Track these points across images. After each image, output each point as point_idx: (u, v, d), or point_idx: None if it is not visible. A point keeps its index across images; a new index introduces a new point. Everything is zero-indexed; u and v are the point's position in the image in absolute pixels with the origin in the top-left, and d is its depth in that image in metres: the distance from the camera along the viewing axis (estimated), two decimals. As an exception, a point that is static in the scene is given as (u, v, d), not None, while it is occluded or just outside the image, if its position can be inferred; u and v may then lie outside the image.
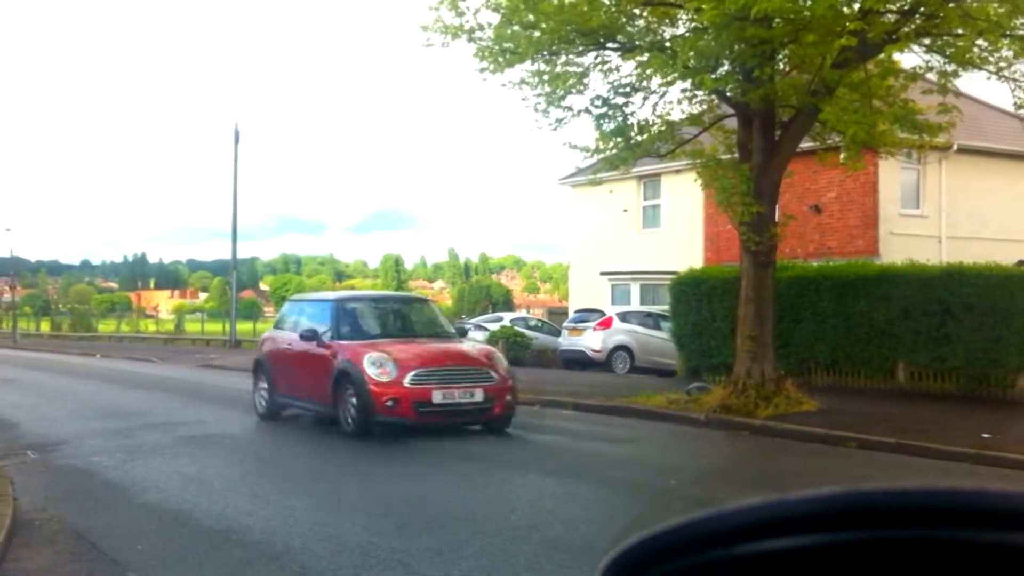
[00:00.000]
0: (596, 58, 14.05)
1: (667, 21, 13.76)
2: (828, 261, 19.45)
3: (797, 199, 20.93)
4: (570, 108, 14.31)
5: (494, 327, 29.84)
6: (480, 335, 30.00)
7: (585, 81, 14.08)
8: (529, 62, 13.72)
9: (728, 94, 13.59)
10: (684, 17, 13.34)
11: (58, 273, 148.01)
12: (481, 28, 13.57)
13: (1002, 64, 12.88)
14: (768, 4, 10.87)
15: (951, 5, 11.86)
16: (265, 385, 13.92)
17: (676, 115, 15.03)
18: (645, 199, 28.09)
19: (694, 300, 19.04)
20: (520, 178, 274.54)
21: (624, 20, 13.37)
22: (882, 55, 13.06)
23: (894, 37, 12.20)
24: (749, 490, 8.21)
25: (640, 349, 22.94)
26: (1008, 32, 12.07)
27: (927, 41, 12.92)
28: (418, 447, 10.93)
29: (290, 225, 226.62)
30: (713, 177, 14.24)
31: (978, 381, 15.25)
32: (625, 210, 28.16)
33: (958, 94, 13.48)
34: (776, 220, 14.24)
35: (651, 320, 23.24)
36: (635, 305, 26.12)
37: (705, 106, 15.15)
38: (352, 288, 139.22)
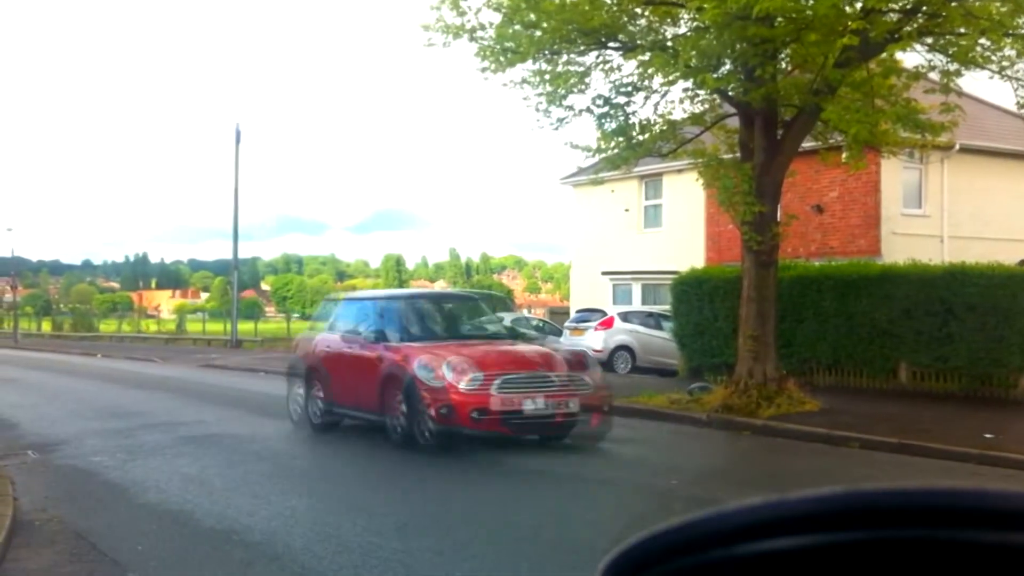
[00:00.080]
0: (598, 57, 14.03)
1: (669, 20, 13.74)
2: (830, 261, 19.42)
3: (799, 199, 20.90)
4: (571, 108, 14.30)
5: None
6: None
7: (587, 80, 14.06)
8: (530, 61, 13.70)
9: (730, 93, 13.57)
10: (686, 16, 13.32)
11: (59, 273, 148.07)
12: (482, 27, 13.55)
13: (1004, 63, 12.85)
14: (770, 3, 10.84)
15: (953, 4, 11.84)
16: (321, 393, 12.56)
17: (678, 114, 15.02)
18: (647, 199, 28.05)
19: (696, 300, 19.02)
20: (521, 178, 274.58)
21: (626, 19, 13.35)
22: (884, 54, 13.04)
23: (896, 36, 12.17)
24: (750, 490, 8.17)
25: (642, 349, 22.91)
26: (1010, 31, 12.05)
27: (929, 40, 12.89)
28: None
29: (291, 225, 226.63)
30: (715, 177, 14.22)
31: (980, 381, 15.21)
32: (627, 210, 28.13)
33: (960, 93, 13.46)
34: (778, 220, 14.22)
35: (653, 320, 23.21)
36: (636, 305, 26.10)
37: (707, 105, 15.13)
38: (353, 289, 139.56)
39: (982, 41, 12.19)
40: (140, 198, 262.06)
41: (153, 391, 18.88)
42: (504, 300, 14.75)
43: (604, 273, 28.15)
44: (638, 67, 13.73)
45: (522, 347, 11.58)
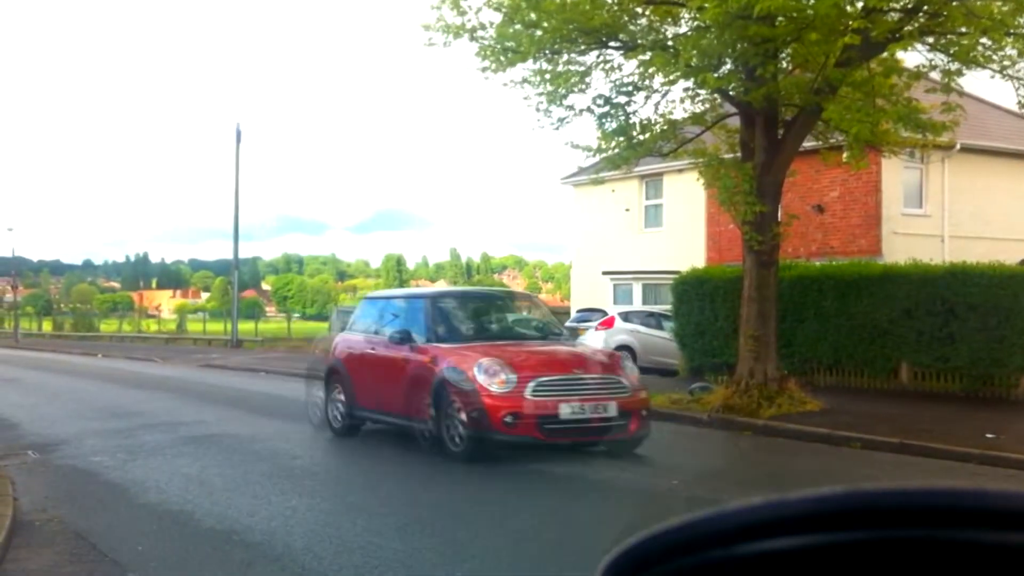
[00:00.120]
0: (598, 57, 14.01)
1: (669, 20, 13.72)
2: (831, 261, 19.40)
3: (800, 199, 20.89)
4: (572, 107, 14.28)
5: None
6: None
7: (587, 80, 14.04)
8: (531, 61, 13.68)
9: (731, 93, 13.55)
10: (686, 16, 13.30)
11: (60, 273, 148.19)
12: (483, 27, 13.54)
13: (1006, 63, 12.83)
14: (771, 2, 10.83)
15: (955, 3, 11.82)
16: (342, 396, 11.99)
17: (678, 114, 15.01)
18: (647, 198, 28.04)
19: (696, 300, 19.00)
20: (522, 178, 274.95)
21: (626, 19, 13.34)
22: (885, 54, 13.03)
23: (897, 36, 12.16)
24: (751, 490, 8.15)
25: (642, 349, 22.87)
26: (1012, 30, 12.03)
27: (930, 39, 12.87)
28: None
29: (292, 225, 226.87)
30: (716, 176, 14.20)
31: (982, 381, 15.19)
32: (627, 209, 28.12)
33: (961, 93, 13.43)
34: (779, 219, 14.20)
35: (653, 320, 23.18)
36: (637, 305, 26.08)
37: (707, 105, 15.12)
38: (354, 288, 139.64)
39: (983, 40, 12.17)
40: (141, 198, 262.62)
41: (153, 391, 18.87)
42: (530, 298, 13.56)
43: (605, 273, 28.14)
44: (639, 67, 13.72)
45: (556, 347, 10.90)
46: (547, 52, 13.60)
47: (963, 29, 12.02)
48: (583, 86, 14.05)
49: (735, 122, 14.58)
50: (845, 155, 14.89)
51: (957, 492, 0.69)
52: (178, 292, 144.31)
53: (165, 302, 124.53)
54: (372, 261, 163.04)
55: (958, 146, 20.40)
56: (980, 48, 12.47)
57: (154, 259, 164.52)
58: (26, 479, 9.10)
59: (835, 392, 15.45)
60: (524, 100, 14.13)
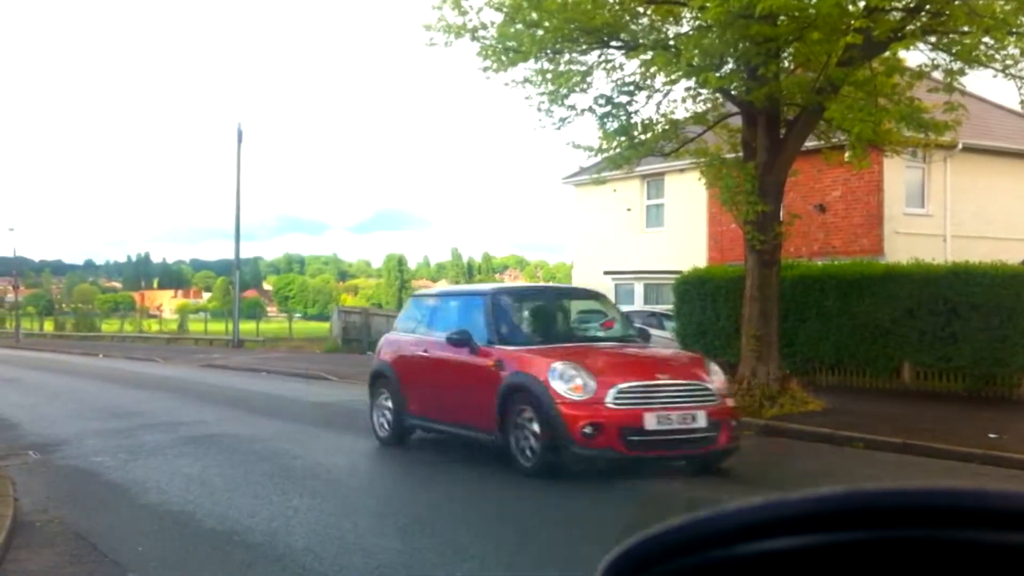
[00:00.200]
0: (600, 56, 13.99)
1: (671, 19, 13.69)
2: (833, 260, 19.37)
3: (801, 198, 20.86)
4: (573, 107, 14.25)
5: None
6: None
7: (589, 80, 14.02)
8: (532, 61, 13.66)
9: (733, 92, 13.53)
10: (688, 15, 13.27)
11: (62, 273, 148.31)
12: (484, 27, 13.52)
13: (1008, 62, 12.80)
14: (773, 2, 10.80)
15: (957, 2, 11.79)
16: (389, 403, 11.15)
17: (680, 114, 14.98)
18: (649, 198, 28.01)
19: (698, 299, 18.98)
20: (523, 178, 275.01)
21: (628, 18, 13.31)
22: (887, 53, 13.00)
23: (900, 35, 12.13)
24: (753, 490, 8.15)
25: (644, 349, 22.86)
26: (1014, 29, 12.00)
27: (933, 39, 12.85)
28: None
29: (293, 225, 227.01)
30: (717, 176, 14.18)
31: (984, 381, 15.16)
32: (629, 209, 28.09)
33: (964, 92, 13.41)
34: (781, 219, 14.18)
35: (655, 320, 23.12)
36: (639, 305, 26.05)
37: (709, 104, 15.09)
38: (355, 288, 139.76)
39: (986, 40, 12.15)
40: (142, 198, 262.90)
41: (154, 391, 18.86)
42: (597, 295, 12.61)
43: (606, 273, 28.10)
44: (640, 66, 13.70)
45: (634, 350, 10.08)
46: (548, 52, 13.58)
47: (965, 28, 11.99)
48: (584, 86, 14.03)
49: (737, 122, 14.56)
50: (847, 155, 14.86)
51: (957, 492, 0.69)
52: (179, 292, 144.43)
53: (166, 302, 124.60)
54: (373, 261, 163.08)
55: (960, 146, 20.35)
56: (982, 47, 12.45)
57: (155, 259, 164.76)
58: (27, 479, 9.09)
59: (837, 392, 15.43)
60: (525, 100, 14.12)
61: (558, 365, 8.89)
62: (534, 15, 13.05)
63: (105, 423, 13.44)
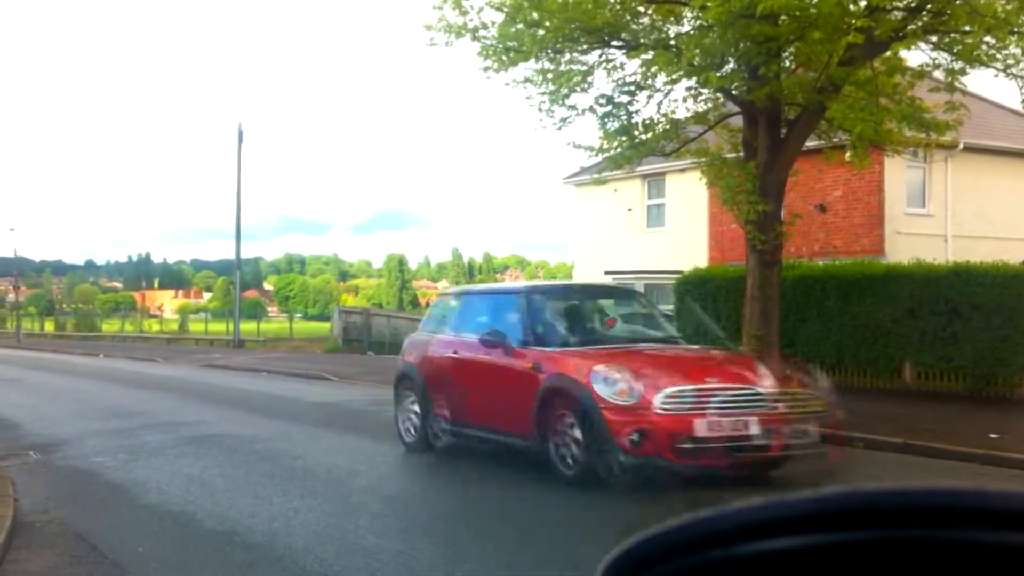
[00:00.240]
0: (600, 56, 13.98)
1: (672, 19, 13.68)
2: (833, 260, 19.35)
3: (802, 198, 20.83)
4: (574, 107, 14.24)
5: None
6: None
7: (589, 79, 14.01)
8: (533, 60, 13.65)
9: (734, 92, 13.51)
10: (689, 15, 13.26)
11: (62, 273, 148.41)
12: (485, 27, 13.51)
13: (1010, 61, 12.78)
14: (774, 1, 10.79)
15: (958, 2, 11.77)
16: (416, 407, 10.65)
17: (681, 113, 14.97)
18: (649, 198, 27.99)
19: (699, 299, 18.96)
20: (524, 178, 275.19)
21: (629, 18, 13.30)
22: (889, 52, 12.99)
23: (901, 34, 12.12)
24: (754, 490, 8.13)
25: (644, 349, 22.84)
26: (1016, 29, 11.98)
27: (934, 38, 12.83)
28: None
29: (294, 225, 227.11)
30: (718, 176, 14.17)
31: (985, 381, 15.15)
32: (629, 209, 28.07)
33: (965, 92, 13.39)
34: (782, 219, 14.16)
35: (656, 320, 23.15)
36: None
37: (710, 104, 15.07)
38: (356, 289, 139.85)
39: (987, 39, 12.14)
40: (143, 198, 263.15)
41: (155, 391, 18.86)
42: (635, 293, 12.85)
43: (607, 273, 28.07)
44: (641, 66, 13.69)
45: (679, 352, 9.52)
46: (549, 51, 13.57)
47: (967, 28, 11.98)
48: (585, 85, 14.02)
49: (738, 121, 14.55)
50: (848, 154, 14.85)
51: (957, 492, 0.69)
52: (180, 292, 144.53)
53: (167, 302, 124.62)
54: (374, 261, 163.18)
55: (961, 145, 20.32)
56: (984, 47, 12.43)
57: (156, 259, 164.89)
58: (27, 480, 9.09)
59: (838, 392, 15.39)
60: (526, 100, 14.12)
61: (601, 368, 8.34)
62: (535, 15, 13.04)
63: (106, 423, 13.44)
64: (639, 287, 27.43)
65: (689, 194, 24.24)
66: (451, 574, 6.01)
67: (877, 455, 10.60)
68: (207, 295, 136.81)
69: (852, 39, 11.21)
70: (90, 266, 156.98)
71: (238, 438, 11.88)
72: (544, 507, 8.07)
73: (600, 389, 8.21)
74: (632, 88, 14.10)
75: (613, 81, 14.15)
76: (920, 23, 12.30)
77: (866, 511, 0.69)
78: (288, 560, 6.19)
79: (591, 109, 14.23)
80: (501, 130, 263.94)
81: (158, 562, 6.38)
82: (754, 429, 8.17)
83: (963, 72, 13.07)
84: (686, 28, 13.60)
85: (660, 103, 14.44)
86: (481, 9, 13.39)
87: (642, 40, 13.24)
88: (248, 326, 43.62)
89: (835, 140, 15.33)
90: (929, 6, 12.16)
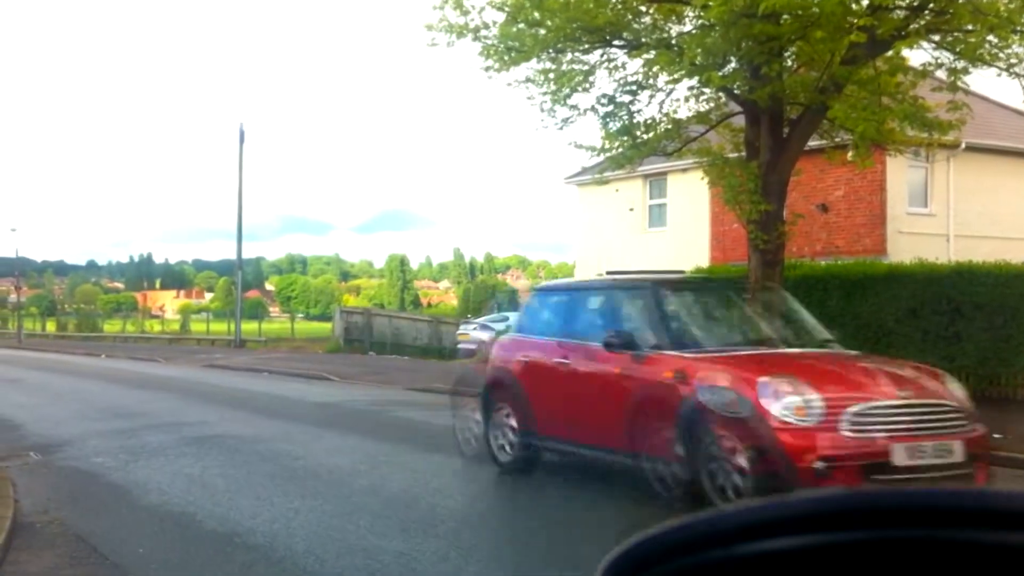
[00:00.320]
0: (602, 56, 13.94)
1: (674, 18, 13.65)
2: (836, 260, 19.33)
3: (803, 198, 20.80)
4: (576, 107, 14.20)
5: (500, 327, 29.77)
6: (486, 335, 30.00)
7: (591, 79, 13.97)
8: (535, 60, 13.62)
9: (736, 91, 13.48)
10: (691, 14, 13.23)
11: (64, 273, 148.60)
12: (486, 27, 13.47)
13: (1012, 60, 12.73)
14: (776, 0, 10.76)
15: (961, 1, 11.74)
16: (514, 421, 9.19)
17: (683, 113, 14.91)
18: (651, 198, 27.98)
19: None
20: (525, 178, 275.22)
21: (630, 17, 13.27)
22: (891, 52, 12.95)
23: (903, 33, 12.08)
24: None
25: (646, 349, 22.81)
26: (1019, 28, 11.94)
27: (937, 37, 12.79)
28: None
29: (295, 225, 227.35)
30: (720, 175, 14.13)
31: (988, 381, 15.11)
32: (631, 209, 28.06)
33: (967, 91, 13.36)
34: (784, 219, 14.13)
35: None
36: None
37: (712, 104, 15.03)
38: (357, 289, 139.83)
39: (990, 38, 12.10)
40: (144, 198, 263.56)
41: (156, 391, 18.85)
42: (775, 289, 10.86)
43: (609, 273, 27.92)
44: (643, 65, 13.65)
45: (851, 360, 8.22)
46: (551, 51, 13.54)
47: (970, 27, 11.94)
48: (587, 85, 13.98)
49: (740, 121, 14.51)
50: (850, 154, 14.81)
51: (957, 492, 0.70)
52: (182, 292, 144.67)
53: (169, 302, 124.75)
54: (376, 261, 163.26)
55: (963, 145, 20.30)
56: (987, 46, 12.39)
57: (158, 259, 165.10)
58: (28, 480, 9.07)
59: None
60: (528, 100, 14.06)
61: (769, 380, 6.98)
62: (536, 14, 13.01)
63: (107, 424, 13.42)
64: (641, 287, 27.45)
65: (691, 194, 24.22)
66: (452, 574, 5.99)
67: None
68: (209, 295, 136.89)
69: (854, 38, 11.17)
70: (92, 266, 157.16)
71: (239, 438, 11.86)
72: (544, 507, 8.05)
73: (770, 406, 6.81)
74: (634, 88, 14.06)
75: (615, 81, 14.12)
76: (923, 22, 12.26)
77: (866, 511, 0.69)
78: (289, 561, 6.17)
79: (592, 109, 14.20)
80: (503, 130, 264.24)
81: (159, 563, 6.36)
82: (958, 454, 6.91)
83: (966, 71, 13.04)
84: (688, 27, 13.57)
85: (662, 103, 14.41)
86: (482, 9, 13.37)
87: (644, 40, 13.21)
88: (249, 326, 43.63)
89: (837, 140, 15.29)
90: (932, 5, 12.13)
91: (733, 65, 13.07)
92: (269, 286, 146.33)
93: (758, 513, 0.73)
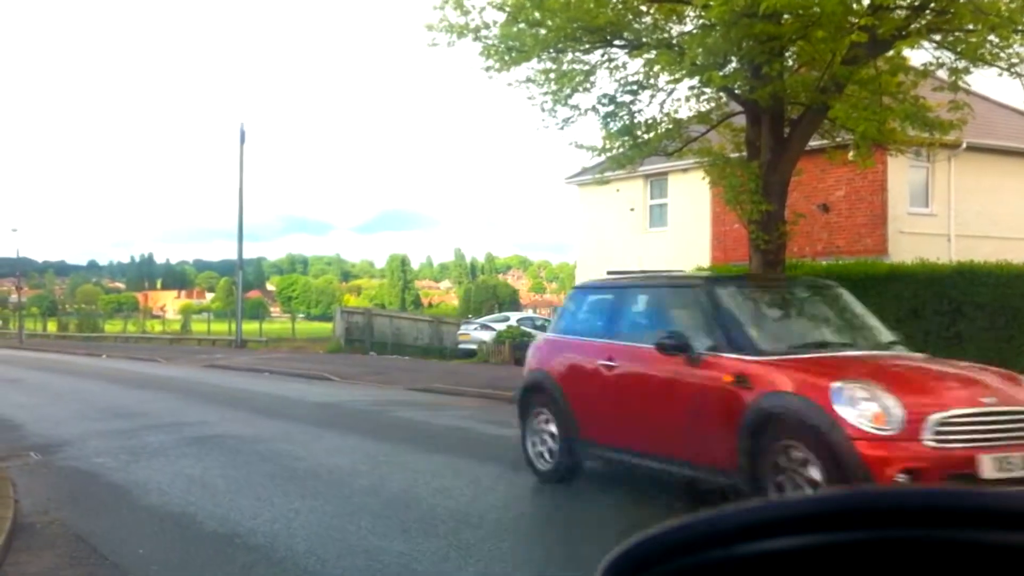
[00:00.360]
0: (603, 56, 13.93)
1: (674, 18, 13.64)
2: (836, 260, 19.32)
3: (805, 198, 20.80)
4: (577, 107, 14.19)
5: (501, 327, 29.79)
6: (487, 335, 30.04)
7: (592, 79, 13.96)
8: (535, 60, 13.61)
9: (736, 91, 13.46)
10: (692, 14, 13.22)
11: (65, 274, 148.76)
12: (487, 27, 13.47)
13: (1014, 60, 12.72)
14: (777, 0, 10.75)
15: (962, 0, 11.73)
16: (552, 427, 8.75)
17: (684, 113, 14.90)
18: (652, 198, 27.98)
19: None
20: (526, 178, 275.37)
21: (631, 17, 13.26)
22: (892, 51, 12.94)
23: (904, 33, 12.07)
24: (751, 492, 8.09)
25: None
26: (1020, 27, 11.92)
27: (938, 37, 12.78)
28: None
29: (296, 225, 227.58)
30: (721, 175, 14.12)
31: (989, 381, 15.09)
32: (632, 209, 28.06)
33: (968, 91, 13.35)
34: (785, 218, 14.12)
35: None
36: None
37: (713, 104, 15.02)
38: (358, 289, 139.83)
39: (991, 38, 12.09)
40: (145, 199, 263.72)
41: (157, 391, 18.85)
42: (830, 286, 9.34)
43: (609, 273, 27.96)
44: (644, 65, 13.64)
45: (927, 363, 7.56)
46: (551, 51, 13.53)
47: (971, 26, 11.93)
48: (588, 85, 13.97)
49: (741, 121, 14.50)
50: (851, 154, 14.80)
51: (956, 492, 0.70)
52: (183, 292, 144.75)
53: (170, 302, 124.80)
54: (376, 261, 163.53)
55: (964, 145, 20.29)
56: (988, 46, 12.38)
57: (159, 260, 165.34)
58: (28, 481, 9.06)
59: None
60: (528, 100, 14.06)
61: (843, 385, 6.44)
62: (537, 14, 13.00)
63: (107, 424, 13.42)
64: (642, 287, 27.43)
65: (692, 194, 24.22)
66: (453, 575, 5.98)
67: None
68: (209, 295, 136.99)
69: (855, 38, 11.16)
70: (93, 267, 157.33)
71: (240, 439, 11.85)
72: (544, 507, 8.04)
73: (846, 413, 6.28)
74: (634, 88, 14.05)
75: (615, 81, 14.11)
76: (924, 22, 12.25)
77: (866, 511, 0.69)
78: (289, 562, 6.16)
79: (593, 109, 14.19)
80: (503, 130, 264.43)
81: (159, 564, 6.35)
82: (1013, 461, 6.36)
83: (967, 71, 13.03)
84: (689, 27, 13.56)
85: (663, 103, 14.40)
86: (483, 9, 13.36)
87: (644, 39, 13.20)
88: (250, 326, 43.64)
89: (838, 140, 15.28)
90: (933, 4, 12.11)
91: (734, 65, 13.06)
92: (270, 286, 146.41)
93: (758, 513, 0.73)
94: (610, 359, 8.27)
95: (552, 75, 13.72)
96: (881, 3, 11.41)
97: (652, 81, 13.93)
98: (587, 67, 13.88)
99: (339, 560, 6.13)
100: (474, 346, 30.14)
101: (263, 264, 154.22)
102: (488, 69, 13.69)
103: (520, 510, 7.97)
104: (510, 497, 8.47)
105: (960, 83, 13.03)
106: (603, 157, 15.18)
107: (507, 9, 13.24)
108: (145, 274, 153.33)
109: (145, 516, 7.64)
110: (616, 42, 13.56)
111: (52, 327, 60.47)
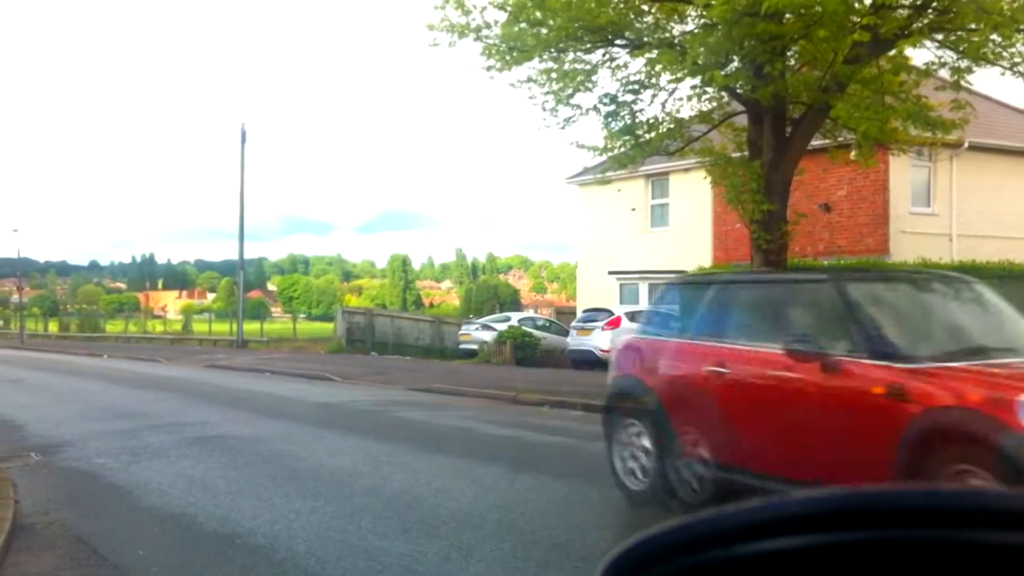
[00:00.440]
0: (604, 55, 13.91)
1: (676, 17, 13.62)
2: (838, 260, 19.30)
3: (806, 198, 20.77)
4: (578, 106, 14.18)
5: (502, 327, 29.77)
6: (489, 335, 30.00)
7: (593, 79, 13.95)
8: (536, 60, 13.60)
9: (738, 91, 13.45)
10: (693, 13, 13.20)
11: (66, 274, 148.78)
12: (488, 26, 13.46)
13: (1016, 59, 12.71)
14: (779, -1, 10.73)
15: (964, 0, 11.71)
16: (646, 441, 7.83)
17: (685, 112, 14.89)
18: (653, 198, 27.95)
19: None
20: (527, 178, 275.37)
21: (632, 16, 13.24)
22: (894, 51, 12.92)
23: (906, 32, 12.05)
24: (758, 490, 8.07)
25: (648, 349, 22.76)
26: (1022, 27, 11.91)
27: (940, 36, 12.77)
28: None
29: (297, 225, 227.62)
30: (723, 175, 14.10)
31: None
32: (633, 209, 28.03)
33: (971, 91, 13.33)
34: (787, 218, 14.10)
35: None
36: (644, 304, 26.00)
37: (715, 103, 15.01)
38: (359, 289, 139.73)
39: (993, 37, 12.07)
40: (146, 199, 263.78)
41: (158, 392, 18.83)
42: (966, 281, 7.74)
43: (611, 273, 28.06)
44: (645, 65, 13.63)
45: None
46: (553, 51, 13.51)
47: (973, 26, 11.91)
48: (589, 85, 13.96)
49: (742, 120, 14.48)
50: (853, 153, 14.79)
51: (957, 492, 0.71)
52: (184, 293, 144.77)
53: (171, 303, 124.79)
54: (378, 261, 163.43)
55: (966, 144, 20.27)
56: (990, 45, 12.36)
57: (160, 260, 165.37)
58: (28, 481, 9.04)
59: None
60: (530, 99, 14.06)
61: None
62: (538, 14, 12.98)
63: (108, 424, 13.40)
64: (643, 287, 27.42)
65: (693, 193, 24.20)
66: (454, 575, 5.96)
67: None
68: (211, 296, 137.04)
69: (857, 37, 11.14)
70: (94, 267, 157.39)
71: (241, 439, 11.83)
72: (544, 507, 8.02)
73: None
74: (636, 87, 14.04)
75: (617, 80, 14.10)
76: (926, 21, 12.23)
77: (866, 511, 0.69)
78: (290, 563, 6.14)
79: (595, 108, 14.18)
80: (504, 130, 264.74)
81: (159, 565, 6.33)
82: None
83: (969, 70, 13.01)
84: (690, 27, 13.54)
85: (664, 102, 14.39)
86: (484, 8, 13.35)
87: (646, 39, 13.18)
88: (252, 326, 43.65)
89: (840, 139, 15.27)
90: (935, 4, 12.09)
91: (736, 64, 13.04)
92: (271, 286, 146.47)
93: (758, 513, 0.72)
94: (720, 364, 7.25)
95: (553, 75, 13.71)
96: (883, 2, 11.39)
97: (654, 80, 13.92)
98: (588, 67, 13.87)
99: (340, 561, 6.11)
100: (475, 346, 30.12)
101: (264, 264, 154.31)
102: (489, 69, 13.68)
103: (523, 509, 7.94)
104: (512, 497, 8.44)
105: (962, 82, 13.02)
106: (604, 157, 15.17)
107: (508, 9, 13.22)
108: (146, 274, 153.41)
109: (146, 517, 7.62)
110: (618, 41, 13.54)
111: (53, 327, 60.50)
